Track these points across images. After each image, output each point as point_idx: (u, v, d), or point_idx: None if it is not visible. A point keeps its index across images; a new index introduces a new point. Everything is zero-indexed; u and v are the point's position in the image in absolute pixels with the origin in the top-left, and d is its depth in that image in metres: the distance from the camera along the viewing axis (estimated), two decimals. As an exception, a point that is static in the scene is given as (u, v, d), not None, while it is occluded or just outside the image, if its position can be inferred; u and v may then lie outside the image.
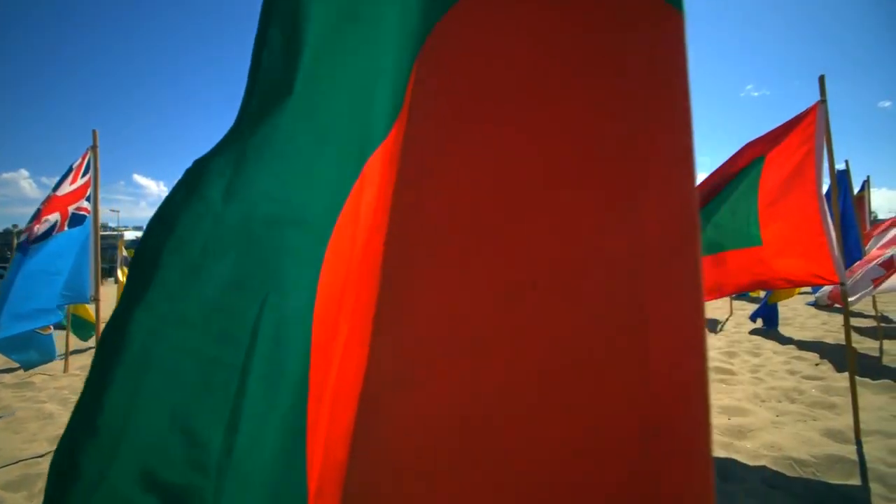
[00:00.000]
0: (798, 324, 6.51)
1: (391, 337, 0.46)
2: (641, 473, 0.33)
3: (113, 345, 0.57)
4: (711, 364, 4.58)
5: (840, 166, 5.51)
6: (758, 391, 3.76)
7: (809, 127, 3.06)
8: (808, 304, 8.56)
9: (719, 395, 3.73)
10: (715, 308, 8.51)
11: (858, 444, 2.78)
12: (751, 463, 2.62)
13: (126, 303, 0.60)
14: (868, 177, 7.82)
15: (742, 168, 3.19)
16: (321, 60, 0.62)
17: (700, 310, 0.35)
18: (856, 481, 2.40)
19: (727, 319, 7.32)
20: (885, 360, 4.49)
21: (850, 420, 2.97)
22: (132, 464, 0.52)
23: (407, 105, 0.56)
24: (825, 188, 3.04)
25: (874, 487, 2.33)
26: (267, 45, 0.62)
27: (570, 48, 0.36)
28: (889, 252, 3.87)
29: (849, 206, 5.39)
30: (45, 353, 3.58)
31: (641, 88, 0.36)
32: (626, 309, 0.34)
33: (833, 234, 3.03)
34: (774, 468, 2.55)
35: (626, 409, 0.33)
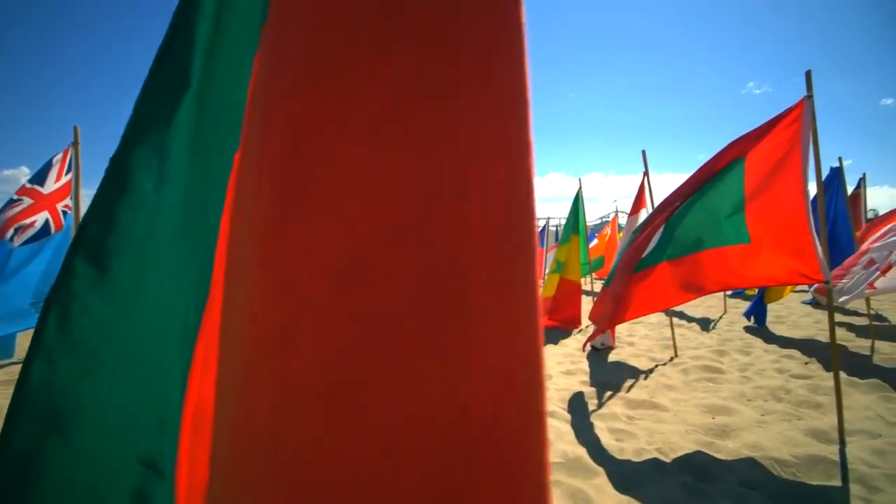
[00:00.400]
0: (791, 322, 6.47)
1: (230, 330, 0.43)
2: (449, 486, 0.29)
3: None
4: (700, 363, 4.55)
5: (833, 164, 5.46)
6: (745, 390, 3.72)
7: (796, 122, 3.01)
8: (804, 302, 8.51)
9: (706, 394, 3.70)
10: (709, 307, 8.46)
11: (842, 444, 2.75)
12: (730, 463, 2.58)
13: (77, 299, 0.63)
14: (864, 174, 7.74)
15: (723, 167, 3.15)
16: (207, 60, 0.70)
17: (529, 311, 0.31)
18: (836, 482, 2.37)
19: (721, 317, 7.27)
20: (876, 359, 4.44)
21: (835, 420, 2.93)
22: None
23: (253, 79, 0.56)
24: (811, 185, 3.00)
25: (854, 489, 2.29)
26: (169, 52, 0.70)
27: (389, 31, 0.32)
28: (877, 245, 3.82)
29: (841, 204, 5.34)
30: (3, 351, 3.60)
31: (470, 69, 0.32)
32: (449, 302, 0.30)
33: (817, 232, 2.99)
34: (754, 468, 2.51)
35: (439, 409, 0.29)
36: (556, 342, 5.99)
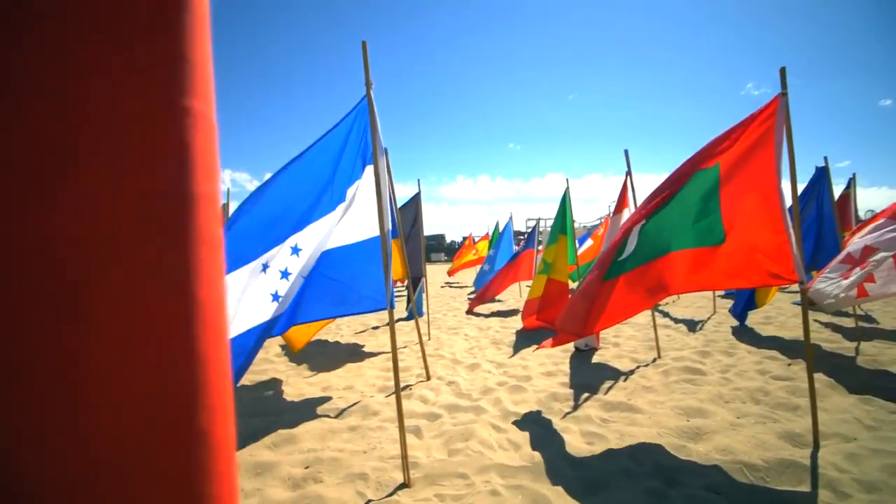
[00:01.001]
0: (779, 323, 6.40)
1: None
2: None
3: None
4: (682, 364, 4.49)
5: (819, 163, 5.40)
6: (723, 392, 3.66)
7: (770, 119, 2.95)
8: (795, 303, 8.45)
9: (683, 396, 3.64)
10: (699, 307, 8.41)
11: (816, 447, 2.69)
12: (699, 467, 2.52)
13: None
14: (854, 175, 7.69)
15: (699, 170, 3.08)
16: None
17: (165, 316, 0.25)
18: (805, 487, 2.31)
19: (709, 318, 7.21)
20: (860, 361, 4.39)
21: (806, 423, 2.88)
22: None
23: None
24: (800, 184, 2.94)
25: (822, 494, 2.23)
26: None
27: None
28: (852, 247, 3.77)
29: (827, 204, 5.28)
30: None
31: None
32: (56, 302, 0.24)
33: (793, 231, 2.94)
34: (722, 473, 2.45)
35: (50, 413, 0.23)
36: (540, 343, 5.91)
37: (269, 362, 5.48)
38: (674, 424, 3.07)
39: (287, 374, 4.93)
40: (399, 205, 5.71)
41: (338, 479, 2.55)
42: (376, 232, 2.58)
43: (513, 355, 5.37)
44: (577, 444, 2.88)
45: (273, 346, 6.21)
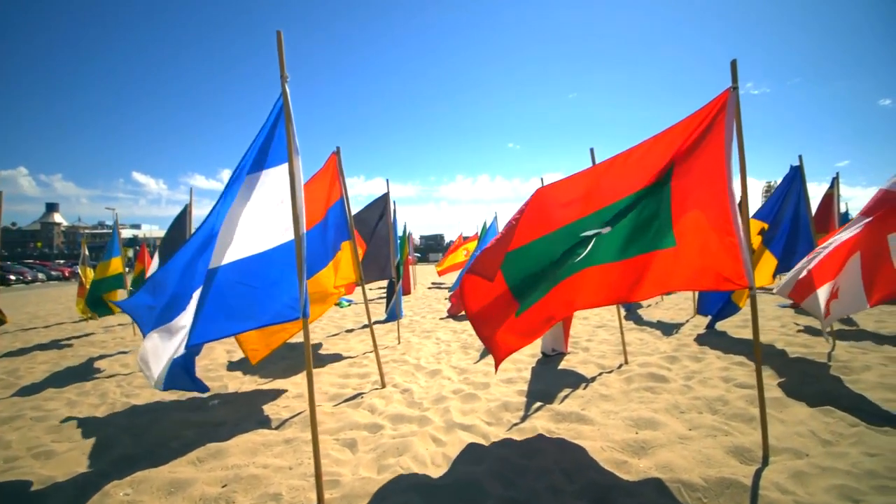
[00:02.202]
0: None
1: None
2: None
3: None
4: (647, 370, 4.33)
5: (794, 162, 5.24)
6: (681, 401, 3.50)
7: (720, 115, 2.79)
8: (780, 305, 8.29)
9: (640, 405, 3.48)
10: (680, 309, 8.25)
11: (764, 463, 2.53)
12: (635, 486, 2.36)
13: None
14: (837, 174, 7.50)
15: (658, 174, 2.91)
16: None
17: None
18: (742, 510, 2.15)
19: (688, 320, 7.05)
20: (830, 369, 4.22)
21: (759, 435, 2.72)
22: None
23: None
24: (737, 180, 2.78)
25: (758, 518, 2.08)
26: None
27: None
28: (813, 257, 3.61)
29: (803, 204, 5.12)
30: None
31: None
32: None
33: (743, 232, 2.78)
34: (658, 493, 2.29)
35: None
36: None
37: (227, 369, 5.33)
38: (620, 437, 2.92)
39: (242, 381, 4.78)
40: (366, 204, 5.55)
41: (251, 500, 2.39)
42: (291, 236, 2.42)
43: (479, 360, 5.21)
44: (514, 458, 2.72)
45: (238, 352, 6.05)
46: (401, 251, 16.92)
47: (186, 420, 3.58)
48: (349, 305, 12.21)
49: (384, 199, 6.32)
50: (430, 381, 4.46)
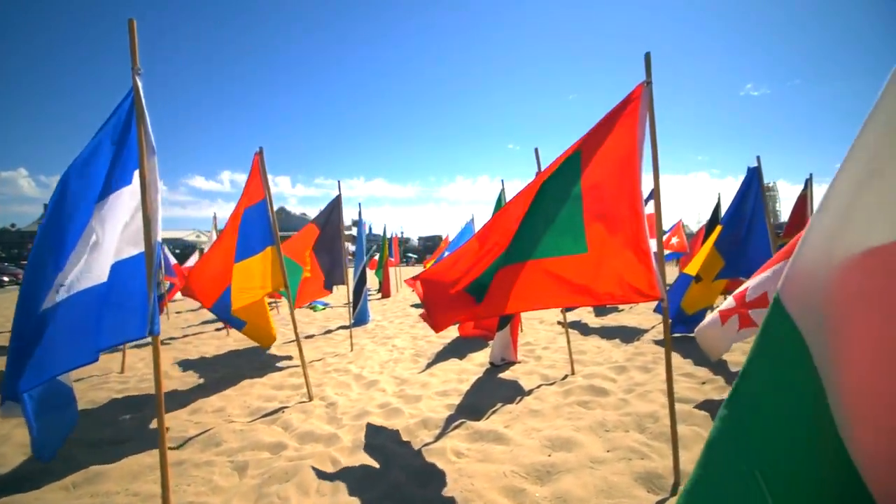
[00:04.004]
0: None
1: None
2: None
3: None
4: (590, 382, 4.10)
5: (751, 163, 5.02)
6: (611, 418, 3.27)
7: (634, 112, 2.58)
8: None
9: (565, 423, 3.25)
10: (651, 314, 8.01)
11: (673, 492, 2.31)
12: (521, 521, 2.14)
13: None
14: (810, 175, 7.30)
15: (560, 164, 2.71)
16: None
17: None
18: (629, 551, 1.92)
19: (653, 327, 6.82)
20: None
21: (684, 457, 2.51)
22: None
23: None
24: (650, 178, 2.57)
25: (642, 561, 1.85)
26: None
27: None
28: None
29: (759, 207, 4.89)
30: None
31: None
32: None
33: (655, 241, 2.57)
34: (542, 530, 2.07)
35: None
36: (462, 356, 5.54)
37: (166, 377, 5.11)
38: (530, 461, 2.69)
39: (172, 391, 4.55)
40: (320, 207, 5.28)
41: (99, 536, 2.17)
42: (142, 248, 2.20)
43: (423, 370, 4.99)
44: (406, 486, 2.50)
45: (184, 355, 5.83)
46: (381, 253, 16.60)
47: (86, 438, 3.36)
48: (324, 309, 11.97)
49: (336, 202, 6.10)
50: (363, 394, 4.24)
